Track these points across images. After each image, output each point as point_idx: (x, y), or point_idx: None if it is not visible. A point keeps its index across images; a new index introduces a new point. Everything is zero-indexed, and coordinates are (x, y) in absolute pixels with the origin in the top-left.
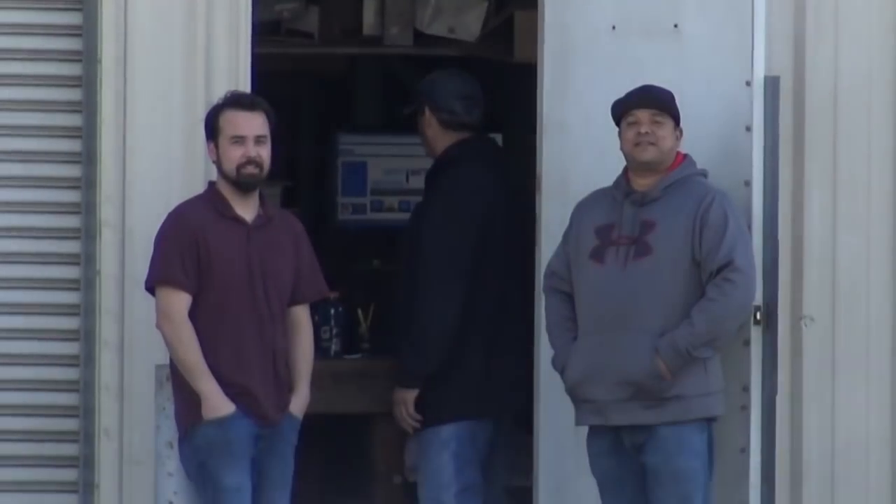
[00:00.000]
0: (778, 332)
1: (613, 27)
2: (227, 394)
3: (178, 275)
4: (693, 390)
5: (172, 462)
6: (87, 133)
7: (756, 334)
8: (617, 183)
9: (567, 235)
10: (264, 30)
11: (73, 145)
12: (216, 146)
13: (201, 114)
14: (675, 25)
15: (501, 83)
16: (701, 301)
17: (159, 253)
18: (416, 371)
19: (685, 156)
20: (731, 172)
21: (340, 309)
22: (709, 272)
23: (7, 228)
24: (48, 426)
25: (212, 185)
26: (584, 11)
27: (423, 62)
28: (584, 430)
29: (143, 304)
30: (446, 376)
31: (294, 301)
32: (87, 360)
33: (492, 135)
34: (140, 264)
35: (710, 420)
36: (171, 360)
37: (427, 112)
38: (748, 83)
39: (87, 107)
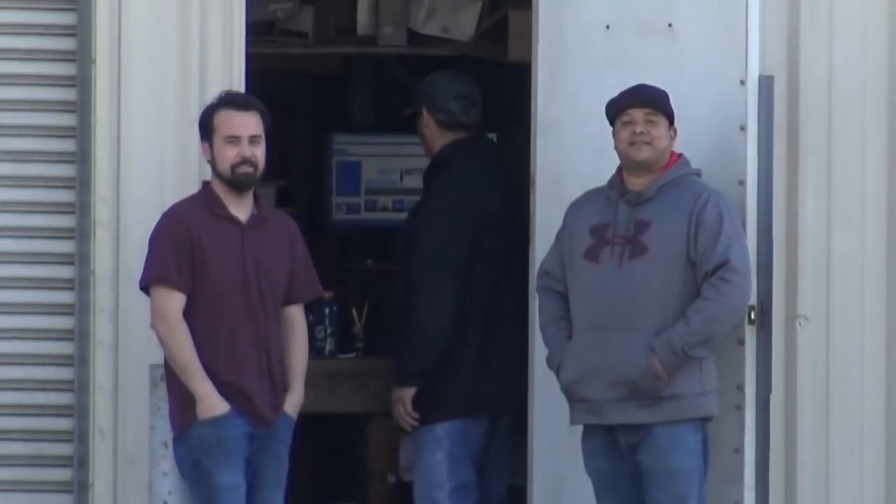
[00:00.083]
0: (772, 332)
1: (607, 27)
2: (222, 393)
3: (173, 275)
4: (689, 390)
5: (167, 462)
6: (82, 133)
7: (750, 333)
8: (611, 182)
9: (560, 235)
10: (258, 30)
11: (68, 145)
12: (211, 146)
13: (195, 114)
14: (669, 25)
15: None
16: (697, 300)
17: (154, 253)
18: (412, 369)
19: (679, 155)
20: (725, 171)
21: (335, 308)
22: (704, 272)
23: (1, 228)
24: (43, 426)
25: (206, 184)
26: (578, 11)
27: (417, 62)
28: (579, 429)
29: (137, 304)
30: (440, 375)
31: (288, 301)
32: (81, 359)
33: (487, 134)
34: (134, 264)
35: (704, 420)
36: (165, 359)
37: (425, 113)
38: (742, 82)
39: (82, 106)
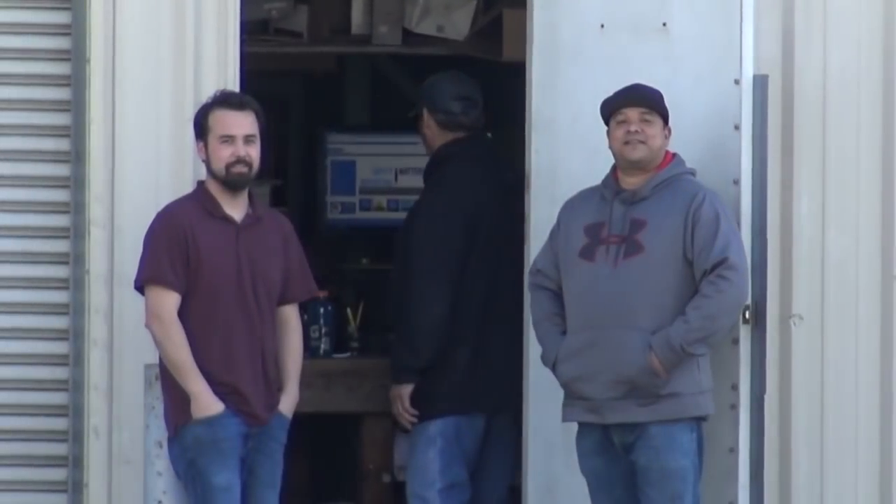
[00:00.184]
0: (767, 331)
1: (602, 26)
2: (217, 393)
3: (168, 274)
4: (687, 388)
5: (162, 461)
6: (76, 132)
7: (745, 333)
8: (605, 181)
9: (554, 234)
10: (253, 29)
11: (62, 144)
12: (205, 145)
13: (190, 113)
14: (664, 24)
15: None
16: (695, 298)
17: (148, 252)
18: (408, 366)
19: (674, 155)
20: (719, 171)
21: (329, 308)
22: (703, 270)
23: None
24: (37, 425)
25: (201, 184)
26: (573, 10)
27: (411, 61)
28: (574, 429)
29: (132, 304)
30: (434, 373)
31: (283, 300)
32: (76, 359)
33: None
34: (129, 263)
35: (699, 419)
36: (160, 359)
37: (425, 113)
38: (737, 81)
39: (76, 106)
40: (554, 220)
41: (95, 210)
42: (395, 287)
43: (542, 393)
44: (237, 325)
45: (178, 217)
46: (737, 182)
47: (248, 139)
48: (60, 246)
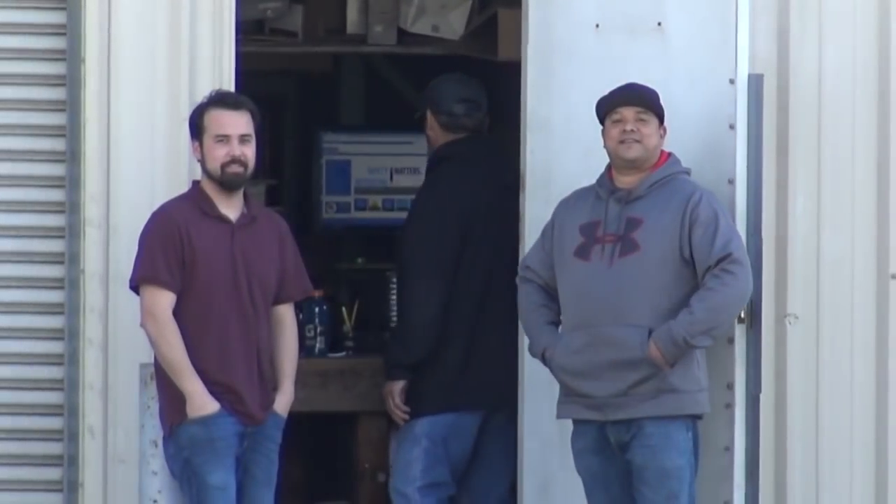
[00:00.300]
0: (762, 330)
1: (597, 25)
2: (212, 392)
3: (163, 274)
4: (686, 385)
5: (157, 461)
6: (71, 132)
7: (740, 332)
8: (600, 181)
9: (546, 232)
10: (248, 29)
11: (57, 144)
12: (201, 145)
13: (185, 113)
14: (659, 23)
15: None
16: (700, 291)
17: (144, 252)
18: (399, 363)
19: (669, 154)
20: (714, 170)
21: (325, 307)
22: (707, 266)
23: None
24: (32, 425)
25: (196, 184)
26: (568, 10)
27: (407, 61)
28: (569, 428)
29: (127, 303)
30: (422, 372)
31: (279, 300)
32: (71, 358)
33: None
34: (124, 263)
35: (695, 418)
36: (155, 358)
37: (429, 115)
38: (732, 81)
39: (71, 106)
40: (548, 220)
41: (91, 210)
42: (397, 286)
43: (537, 391)
44: (232, 324)
45: (174, 217)
46: (732, 181)
47: (243, 139)
48: (56, 245)
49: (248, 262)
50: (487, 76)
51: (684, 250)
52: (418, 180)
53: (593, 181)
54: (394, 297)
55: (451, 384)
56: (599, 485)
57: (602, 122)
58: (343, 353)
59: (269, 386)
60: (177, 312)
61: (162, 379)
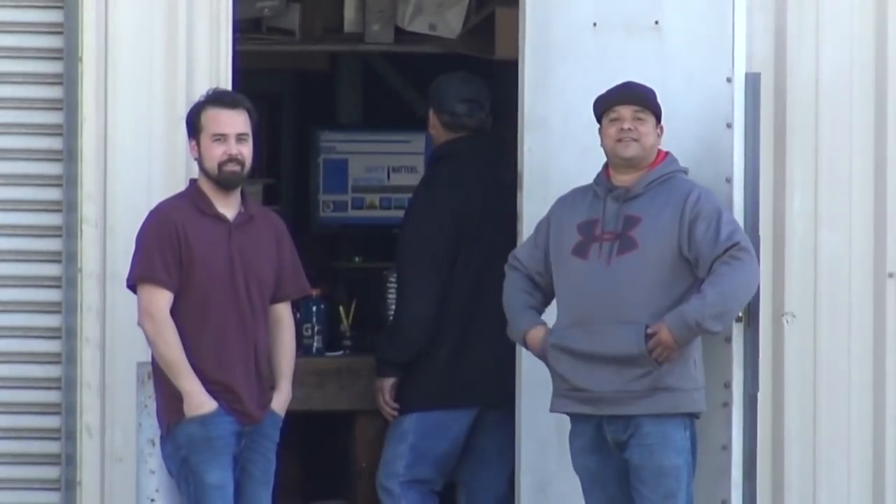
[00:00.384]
0: (759, 329)
1: (594, 24)
2: (209, 391)
3: (160, 272)
4: (682, 383)
5: (154, 459)
6: (68, 131)
7: (738, 331)
8: (598, 179)
9: (540, 228)
10: (245, 27)
11: (54, 143)
12: (198, 144)
13: (182, 111)
14: (656, 22)
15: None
16: (710, 276)
17: (141, 250)
18: (389, 360)
19: (667, 153)
20: (711, 169)
21: (322, 306)
22: (714, 256)
23: None
24: (30, 423)
25: (193, 182)
26: (565, 8)
27: (404, 59)
28: (567, 426)
29: (124, 302)
30: (411, 370)
31: (276, 299)
32: (68, 357)
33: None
34: (121, 262)
35: (692, 416)
36: (152, 357)
37: (431, 113)
38: (729, 80)
39: (68, 104)
40: (544, 216)
41: (88, 208)
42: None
43: (535, 391)
44: (230, 323)
45: (171, 215)
46: (729, 180)
47: (240, 138)
48: (53, 244)
49: (246, 261)
50: (484, 75)
51: (683, 248)
52: (416, 179)
53: (591, 180)
54: (392, 295)
55: (441, 381)
56: (597, 484)
57: (599, 120)
58: (340, 352)
59: (267, 385)
60: (174, 311)
61: (159, 378)
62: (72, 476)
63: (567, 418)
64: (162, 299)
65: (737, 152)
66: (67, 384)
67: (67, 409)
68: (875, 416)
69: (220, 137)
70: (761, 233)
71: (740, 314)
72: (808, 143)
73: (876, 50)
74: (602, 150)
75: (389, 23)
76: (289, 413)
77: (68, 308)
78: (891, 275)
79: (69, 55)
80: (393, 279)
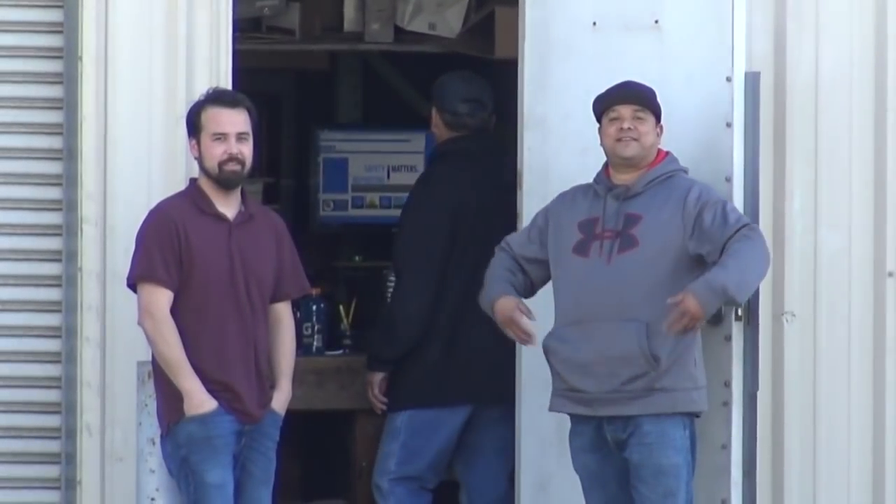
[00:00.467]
0: (759, 328)
1: (594, 23)
2: (209, 390)
3: (160, 272)
4: (681, 383)
5: (154, 459)
6: (68, 130)
7: (737, 330)
8: (598, 178)
9: (537, 219)
10: (245, 26)
11: (54, 142)
12: (198, 143)
13: (182, 111)
14: (656, 21)
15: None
16: (727, 251)
17: (141, 250)
18: (379, 356)
19: (667, 153)
20: (711, 168)
21: (322, 305)
22: (726, 238)
23: None
24: (30, 422)
25: (193, 181)
26: (565, 7)
27: (403, 59)
28: (567, 425)
29: (124, 301)
30: (402, 367)
31: (276, 298)
32: (68, 356)
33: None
34: (121, 261)
35: (692, 415)
36: (152, 356)
37: (434, 112)
38: (728, 79)
39: (68, 104)
40: (543, 208)
41: (88, 207)
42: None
43: (535, 389)
44: (230, 322)
45: (171, 214)
46: (729, 179)
47: (240, 137)
48: (53, 243)
49: (246, 261)
50: (484, 74)
51: (689, 244)
52: (415, 178)
53: (590, 179)
54: (391, 294)
55: (432, 379)
56: (597, 483)
57: (599, 119)
58: (340, 352)
59: (267, 384)
60: (174, 310)
61: (159, 377)
62: (72, 475)
63: (567, 417)
64: (162, 298)
65: (736, 151)
66: (67, 383)
67: (67, 408)
68: (875, 415)
69: (221, 137)
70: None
71: (740, 313)
72: (807, 142)
73: (875, 48)
74: (602, 149)
75: (389, 22)
76: (289, 412)
77: (68, 307)
78: (891, 274)
79: (69, 54)
80: (393, 278)
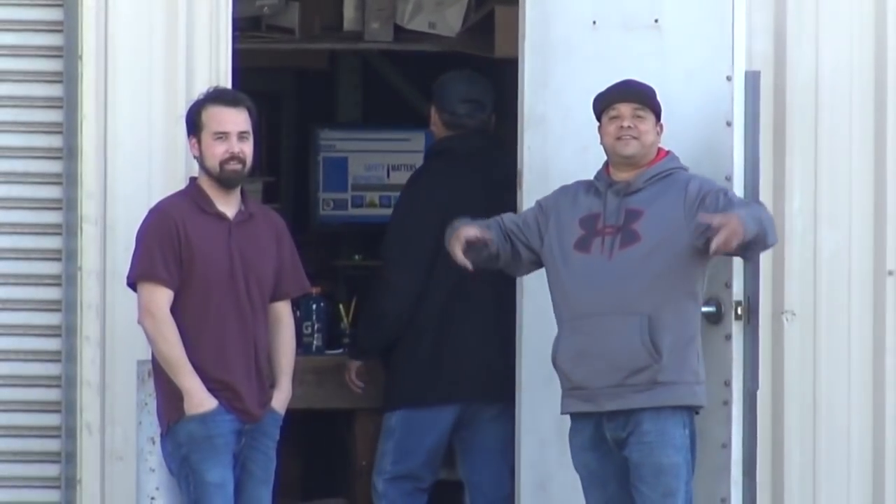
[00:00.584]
0: (759, 327)
1: (594, 22)
2: (210, 389)
3: (160, 271)
4: (683, 377)
5: (154, 458)
6: (68, 129)
7: (737, 329)
8: (598, 176)
9: (537, 206)
10: (245, 26)
11: (54, 141)
12: (198, 142)
13: (182, 110)
14: (656, 20)
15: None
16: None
17: (141, 249)
18: (360, 345)
19: (668, 151)
20: (711, 167)
21: (322, 304)
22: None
23: None
24: (30, 422)
25: (193, 181)
26: (565, 6)
27: (403, 57)
28: (567, 424)
29: (124, 300)
30: (393, 366)
31: (276, 297)
32: (68, 355)
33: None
34: (121, 260)
35: (692, 414)
36: (152, 355)
37: (433, 111)
38: (728, 78)
39: (68, 103)
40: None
41: (88, 207)
42: None
43: (535, 388)
44: (230, 321)
45: (171, 213)
46: (729, 178)
47: (241, 136)
48: (53, 242)
49: (246, 260)
50: (484, 73)
51: (689, 236)
52: None
53: (590, 178)
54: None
55: (423, 378)
56: (596, 482)
57: (599, 118)
58: (340, 350)
59: (267, 383)
60: (174, 309)
61: (159, 376)
62: (72, 474)
63: (567, 417)
64: (162, 297)
65: (736, 150)
66: (67, 382)
67: (67, 407)
68: (875, 414)
69: (222, 136)
70: None
71: (739, 312)
72: (807, 141)
73: (875, 47)
74: (602, 147)
75: (389, 21)
76: (289, 411)
77: (68, 306)
78: (891, 272)
79: (69, 53)
80: None
